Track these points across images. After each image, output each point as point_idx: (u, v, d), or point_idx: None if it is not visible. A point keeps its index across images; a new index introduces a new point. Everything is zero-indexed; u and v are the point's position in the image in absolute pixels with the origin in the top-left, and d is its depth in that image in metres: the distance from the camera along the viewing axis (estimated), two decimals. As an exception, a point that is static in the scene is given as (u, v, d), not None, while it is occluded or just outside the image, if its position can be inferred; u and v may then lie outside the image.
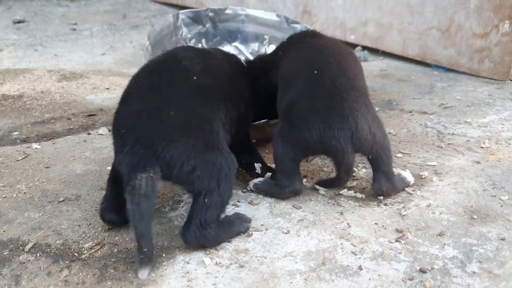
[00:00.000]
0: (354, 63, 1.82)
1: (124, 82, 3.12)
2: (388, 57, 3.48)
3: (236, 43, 2.76)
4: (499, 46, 2.86)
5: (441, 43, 3.12)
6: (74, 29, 4.63)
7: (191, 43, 2.69)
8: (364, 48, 3.59)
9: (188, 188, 1.51)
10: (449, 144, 2.14)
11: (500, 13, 2.81)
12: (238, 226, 1.57)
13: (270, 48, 2.69)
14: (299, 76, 1.75)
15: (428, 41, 3.19)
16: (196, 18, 2.68)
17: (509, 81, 2.84)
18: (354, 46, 3.63)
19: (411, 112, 2.50)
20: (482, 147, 2.09)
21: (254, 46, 2.75)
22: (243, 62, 2.06)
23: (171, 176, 1.46)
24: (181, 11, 2.68)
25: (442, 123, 2.35)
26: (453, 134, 2.23)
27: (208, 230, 1.48)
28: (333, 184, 1.79)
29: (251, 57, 2.73)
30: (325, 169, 1.99)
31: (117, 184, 1.58)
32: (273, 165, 1.93)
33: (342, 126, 1.59)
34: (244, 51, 2.75)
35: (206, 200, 1.48)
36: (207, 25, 2.71)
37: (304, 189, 1.78)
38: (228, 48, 2.74)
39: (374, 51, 3.56)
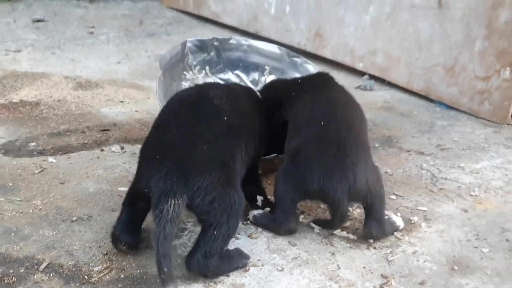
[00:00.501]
0: (360, 118, 1.96)
1: (138, 96, 3.32)
2: (394, 88, 3.59)
3: (237, 71, 2.91)
4: (499, 91, 2.97)
5: (445, 81, 3.24)
6: (92, 33, 4.76)
7: (196, 70, 2.84)
8: (371, 76, 3.70)
9: (202, 217, 1.64)
10: (441, 189, 2.26)
11: (502, 59, 2.93)
12: (237, 261, 1.70)
13: (270, 78, 2.84)
14: (308, 124, 1.90)
15: (433, 77, 3.30)
16: (202, 47, 2.84)
17: (506, 125, 2.95)
18: (362, 73, 3.76)
19: (409, 151, 2.62)
20: (471, 195, 2.21)
21: (255, 75, 2.90)
22: (259, 96, 2.19)
23: (193, 204, 1.59)
24: (188, 39, 2.83)
25: (437, 165, 2.47)
26: (446, 178, 2.35)
27: (211, 260, 1.62)
28: (327, 226, 1.92)
29: (251, 85, 2.88)
30: (322, 206, 2.12)
31: (133, 206, 1.73)
32: (273, 199, 2.06)
33: (342, 179, 1.73)
34: (245, 79, 2.91)
35: (215, 232, 1.62)
36: (212, 53, 2.87)
37: (299, 227, 1.92)
38: (229, 75, 2.90)
39: (381, 80, 3.67)
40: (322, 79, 2.18)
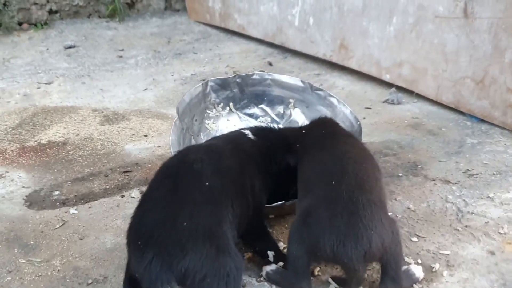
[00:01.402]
0: (372, 171, 1.86)
1: (162, 127, 3.34)
2: (423, 100, 3.45)
3: (262, 105, 2.88)
4: (534, 103, 2.79)
5: (475, 94, 3.07)
6: (121, 56, 4.83)
7: (219, 107, 2.81)
8: (399, 88, 3.56)
9: None
10: (466, 226, 2.15)
11: (536, 71, 2.74)
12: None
13: (295, 112, 2.79)
14: (318, 183, 1.83)
15: (462, 90, 3.14)
16: (224, 85, 2.81)
17: (544, 141, 2.77)
18: (389, 85, 3.63)
19: (434, 180, 2.50)
20: (500, 233, 2.09)
21: (280, 108, 2.85)
22: (254, 140, 2.10)
23: (185, 284, 1.57)
24: (210, 79, 2.81)
25: (464, 197, 2.34)
26: (472, 213, 2.23)
27: None
28: (345, 285, 1.85)
29: (276, 119, 2.82)
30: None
31: (132, 282, 1.71)
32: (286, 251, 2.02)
33: (356, 246, 1.64)
34: (270, 113, 2.86)
35: None
36: (235, 90, 2.83)
37: (314, 281, 1.86)
38: (255, 110, 2.86)
39: (409, 92, 3.53)
40: (326, 128, 2.10)
